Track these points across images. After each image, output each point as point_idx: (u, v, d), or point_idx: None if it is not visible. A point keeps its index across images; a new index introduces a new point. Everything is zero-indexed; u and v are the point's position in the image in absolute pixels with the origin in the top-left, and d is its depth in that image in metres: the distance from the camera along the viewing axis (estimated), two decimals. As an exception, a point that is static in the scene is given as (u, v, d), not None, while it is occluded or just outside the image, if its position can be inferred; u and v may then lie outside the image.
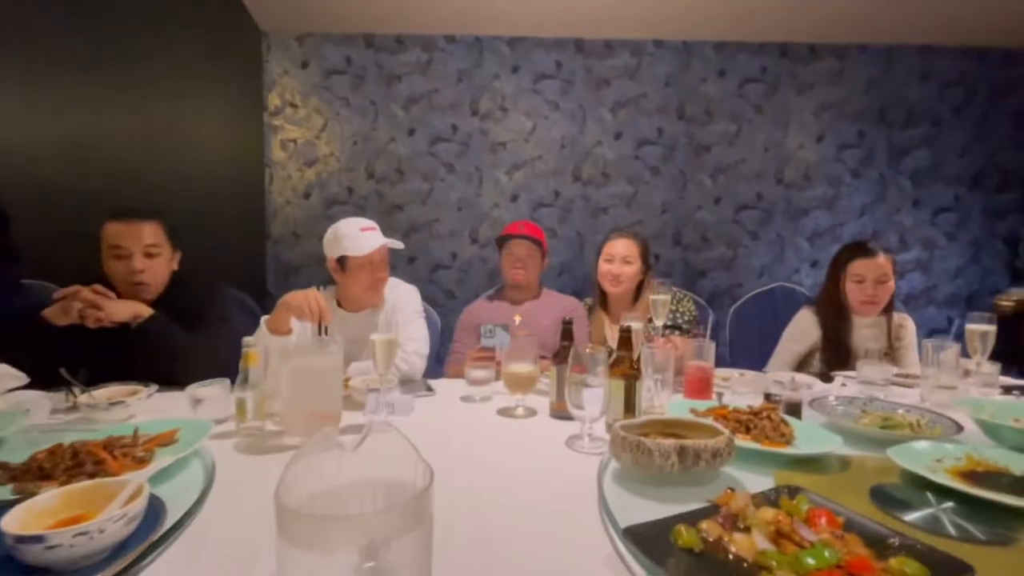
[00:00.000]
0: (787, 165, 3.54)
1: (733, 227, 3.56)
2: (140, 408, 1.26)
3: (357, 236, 1.70)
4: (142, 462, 0.89)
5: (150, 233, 1.57)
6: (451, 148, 3.46)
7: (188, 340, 1.50)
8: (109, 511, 0.65)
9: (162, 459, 0.77)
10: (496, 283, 2.39)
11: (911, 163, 3.55)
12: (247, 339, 1.18)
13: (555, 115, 3.47)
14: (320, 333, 1.32)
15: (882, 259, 1.96)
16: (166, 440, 0.99)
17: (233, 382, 1.16)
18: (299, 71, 3.39)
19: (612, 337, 2.09)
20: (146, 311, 1.48)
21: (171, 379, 1.40)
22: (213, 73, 2.83)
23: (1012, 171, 3.56)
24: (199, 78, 2.68)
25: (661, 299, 1.66)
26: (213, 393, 1.21)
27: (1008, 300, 3.42)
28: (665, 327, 2.05)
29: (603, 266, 2.12)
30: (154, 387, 1.44)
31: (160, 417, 1.15)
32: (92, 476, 0.82)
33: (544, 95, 3.46)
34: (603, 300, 2.19)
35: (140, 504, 0.66)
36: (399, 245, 1.79)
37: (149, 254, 1.57)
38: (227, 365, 1.51)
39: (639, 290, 2.13)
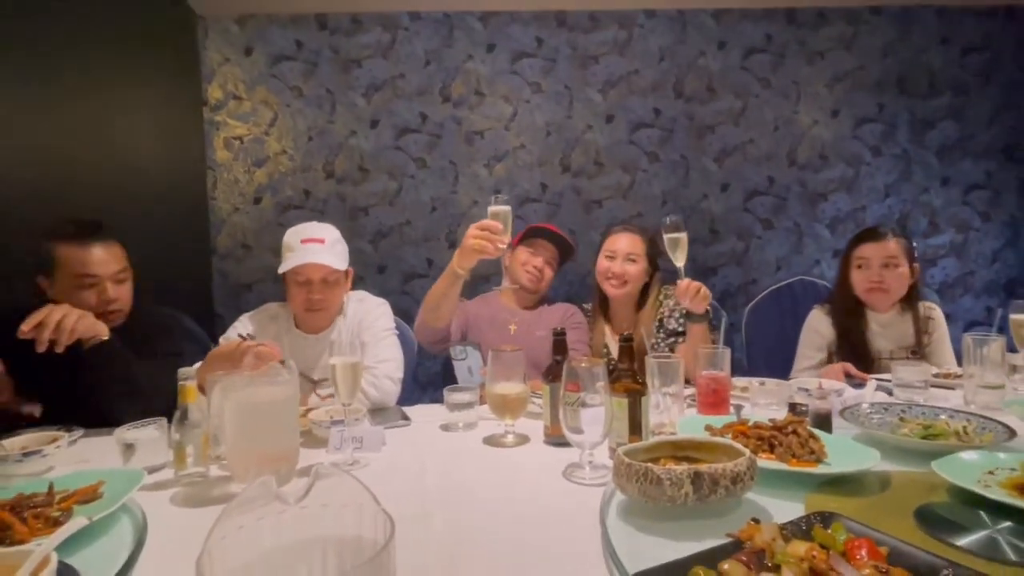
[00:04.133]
0: (800, 144, 3.56)
1: (744, 216, 3.57)
2: (61, 458, 1.22)
3: (295, 248, 1.69)
4: (58, 524, 0.85)
5: (118, 256, 1.55)
6: (421, 140, 3.44)
7: (140, 369, 1.44)
8: (7, 590, 0.61)
9: (76, 520, 0.73)
10: (477, 292, 2.36)
11: (937, 137, 3.60)
12: (184, 370, 1.14)
13: (538, 98, 3.47)
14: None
15: (892, 244, 1.98)
16: (88, 495, 0.95)
17: (171, 422, 1.12)
18: (242, 58, 3.35)
19: (615, 349, 2.06)
20: (105, 331, 1.43)
21: (110, 411, 1.35)
22: (140, 63, 2.78)
23: (1048, 141, 3.62)
24: (123, 69, 2.62)
25: (679, 237, 1.68)
26: (146, 436, 1.17)
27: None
28: (673, 330, 2.04)
29: (603, 263, 2.05)
30: (78, 431, 1.39)
31: (83, 467, 1.12)
32: (-5, 546, 0.77)
33: (524, 76, 3.46)
34: (603, 306, 2.14)
35: (47, 579, 0.62)
36: (337, 266, 1.69)
37: (120, 280, 1.55)
38: (172, 406, 1.47)
39: (644, 294, 2.10)
